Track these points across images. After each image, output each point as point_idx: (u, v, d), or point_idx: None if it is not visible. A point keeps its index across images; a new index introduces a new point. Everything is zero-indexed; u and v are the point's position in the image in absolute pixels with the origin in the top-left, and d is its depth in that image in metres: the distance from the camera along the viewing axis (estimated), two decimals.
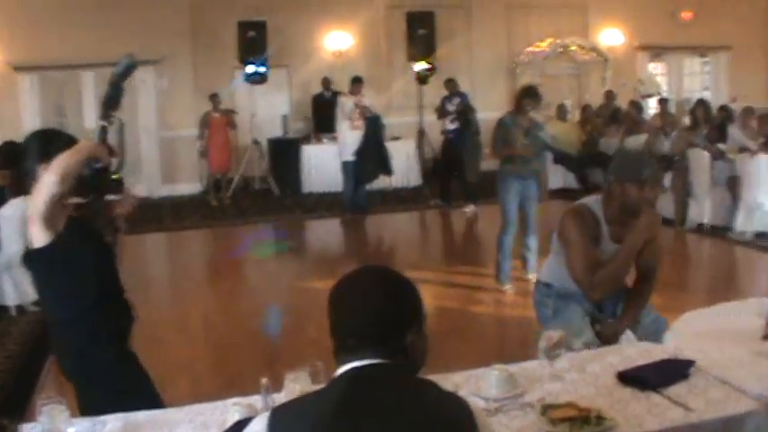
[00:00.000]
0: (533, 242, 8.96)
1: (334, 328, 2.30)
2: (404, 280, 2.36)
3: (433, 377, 3.05)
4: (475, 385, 3.33)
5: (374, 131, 13.49)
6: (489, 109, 16.90)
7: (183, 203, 15.19)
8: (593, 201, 4.63)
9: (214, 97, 15.01)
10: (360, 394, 2.17)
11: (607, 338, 4.48)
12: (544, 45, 18.06)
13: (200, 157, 15.54)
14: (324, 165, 15.53)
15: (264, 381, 3.11)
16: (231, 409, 3.03)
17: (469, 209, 13.48)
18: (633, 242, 4.40)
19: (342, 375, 2.23)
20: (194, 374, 6.47)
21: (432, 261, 10.91)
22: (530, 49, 18.27)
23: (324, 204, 14.55)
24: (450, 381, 3.38)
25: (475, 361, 3.64)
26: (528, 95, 8.70)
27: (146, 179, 15.82)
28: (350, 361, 2.23)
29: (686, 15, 19.87)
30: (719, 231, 11.39)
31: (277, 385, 3.15)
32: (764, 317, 3.98)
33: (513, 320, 7.98)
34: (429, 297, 8.42)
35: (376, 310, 2.25)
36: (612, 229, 4.53)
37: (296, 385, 3.09)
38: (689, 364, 3.51)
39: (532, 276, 8.85)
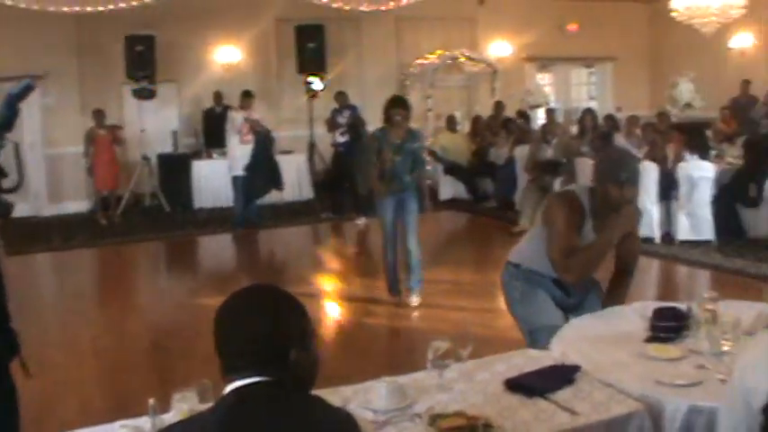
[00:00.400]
0: (415, 254, 8.61)
1: (220, 348, 2.31)
2: (287, 297, 2.38)
3: (324, 391, 3.06)
4: (364, 398, 3.32)
5: (264, 146, 13.44)
6: (380, 121, 16.99)
7: (72, 222, 14.82)
8: (581, 190, 4.70)
9: (98, 113, 14.67)
10: (244, 413, 2.18)
11: None
12: (434, 57, 18.22)
13: (88, 174, 15.19)
14: (215, 180, 15.39)
15: (152, 402, 3.06)
16: None
17: (361, 221, 13.52)
18: (610, 233, 4.51)
19: (228, 395, 2.24)
20: (83, 397, 6.32)
21: (324, 274, 10.90)
22: (419, 61, 18.41)
23: (215, 220, 14.38)
24: (340, 394, 3.38)
25: (369, 373, 3.64)
26: (394, 105, 8.40)
27: (32, 198, 15.40)
28: (236, 380, 2.24)
29: (572, 27, 20.31)
30: None
31: (166, 406, 3.11)
32: (647, 319, 4.10)
33: (406, 331, 8.02)
34: (322, 310, 8.50)
35: (258, 328, 2.27)
36: (595, 221, 4.61)
37: (183, 405, 3.05)
38: (574, 369, 3.59)
39: (417, 288, 8.68)
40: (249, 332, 2.27)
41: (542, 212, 4.76)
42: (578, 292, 4.84)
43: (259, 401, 2.20)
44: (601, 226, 4.59)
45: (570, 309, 4.79)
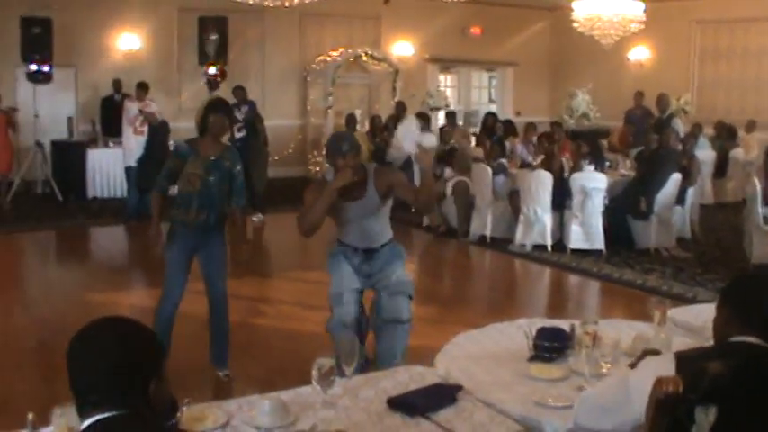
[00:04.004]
0: (222, 326, 6.53)
1: (74, 385, 2.25)
2: (140, 329, 2.34)
3: (209, 405, 3.07)
4: (248, 414, 3.34)
5: (159, 138, 13.15)
6: (280, 117, 17.04)
7: None
8: (327, 171, 5.78)
9: None
10: None
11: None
12: (336, 54, 18.24)
13: None
14: (110, 170, 15.18)
15: (31, 416, 3.00)
16: None
17: (257, 218, 13.40)
18: (326, 194, 5.24)
19: (85, 429, 2.20)
20: None
21: None
22: (322, 57, 18.41)
23: (109, 211, 14.13)
24: (224, 409, 3.37)
25: (262, 382, 3.61)
26: (214, 110, 6.20)
27: None
28: (93, 414, 2.19)
29: (475, 31, 20.58)
30: (500, 244, 11.80)
31: (49, 415, 3.01)
32: (531, 338, 4.18)
33: (297, 334, 7.88)
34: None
35: (112, 364, 2.22)
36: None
37: (63, 420, 2.98)
38: (457, 388, 3.64)
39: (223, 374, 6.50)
40: (102, 368, 2.21)
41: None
42: (380, 259, 5.53)
43: None
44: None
45: (371, 275, 5.54)
